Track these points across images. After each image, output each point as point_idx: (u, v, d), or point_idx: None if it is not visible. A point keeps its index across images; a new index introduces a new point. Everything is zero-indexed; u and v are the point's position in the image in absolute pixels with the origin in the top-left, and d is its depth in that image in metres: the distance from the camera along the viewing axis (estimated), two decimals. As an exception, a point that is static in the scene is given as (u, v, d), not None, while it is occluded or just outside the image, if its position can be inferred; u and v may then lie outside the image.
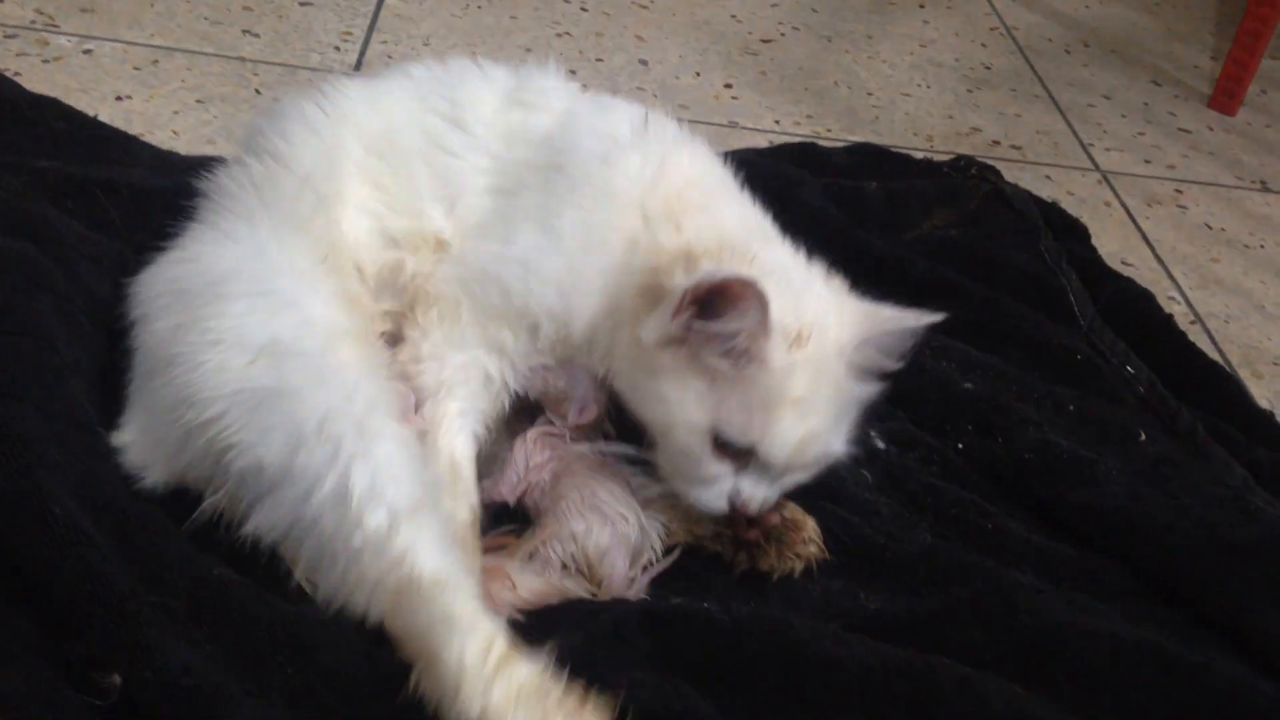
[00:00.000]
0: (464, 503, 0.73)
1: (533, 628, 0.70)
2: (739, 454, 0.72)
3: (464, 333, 0.77)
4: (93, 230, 0.87)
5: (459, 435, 0.75)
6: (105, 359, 0.77)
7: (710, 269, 0.70)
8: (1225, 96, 1.60)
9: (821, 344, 0.72)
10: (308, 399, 0.66)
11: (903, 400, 0.94)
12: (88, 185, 0.91)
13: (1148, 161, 1.46)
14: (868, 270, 1.06)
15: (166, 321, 0.71)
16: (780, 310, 0.70)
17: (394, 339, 0.80)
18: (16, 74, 1.11)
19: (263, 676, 0.63)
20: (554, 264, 0.76)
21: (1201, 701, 0.74)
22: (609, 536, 0.71)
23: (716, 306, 0.69)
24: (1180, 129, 1.56)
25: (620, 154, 0.78)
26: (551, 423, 0.76)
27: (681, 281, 0.70)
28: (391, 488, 0.65)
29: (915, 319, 0.76)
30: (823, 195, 1.16)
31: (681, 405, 0.71)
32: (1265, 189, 1.46)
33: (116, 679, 0.60)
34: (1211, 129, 1.57)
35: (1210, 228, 1.35)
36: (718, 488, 0.73)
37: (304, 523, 0.65)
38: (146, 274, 0.77)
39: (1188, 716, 0.74)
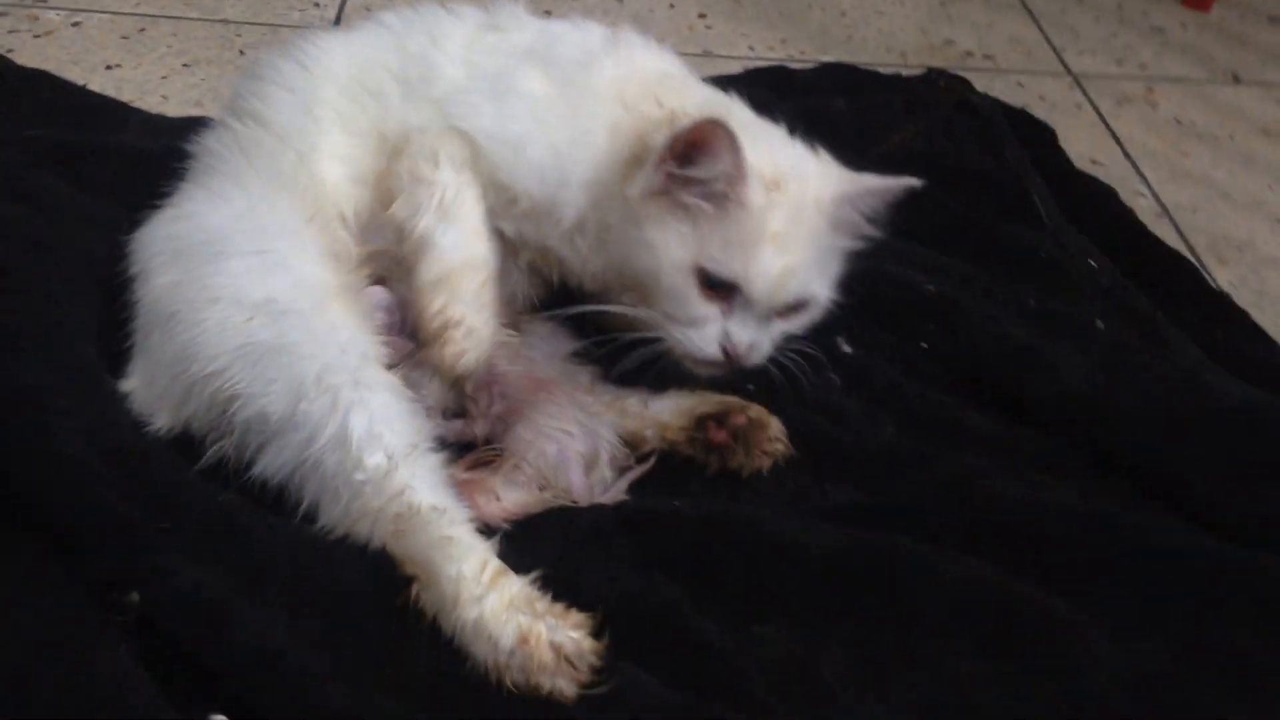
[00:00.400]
0: (482, 243, 0.80)
1: (520, 536, 0.76)
2: (725, 293, 0.78)
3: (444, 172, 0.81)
4: (85, 193, 0.92)
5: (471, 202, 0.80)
6: (105, 314, 0.82)
7: (686, 119, 0.76)
8: (1198, -9, 1.61)
9: (800, 191, 0.79)
10: (305, 354, 0.72)
11: (868, 304, 0.97)
12: (79, 151, 0.96)
13: (1119, 62, 1.48)
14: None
15: (165, 278, 0.77)
16: (755, 155, 0.76)
17: (380, 281, 0.85)
18: (10, 50, 1.16)
19: (268, 591, 0.69)
20: (541, 154, 0.81)
21: (1150, 563, 0.79)
22: (555, 452, 0.76)
23: (694, 155, 0.76)
24: (1153, 27, 1.57)
25: (596, 59, 0.83)
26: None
27: (662, 136, 0.76)
28: (388, 431, 0.72)
29: (893, 183, 0.82)
30: (791, 116, 1.18)
31: (667, 247, 0.77)
32: (1236, 81, 1.47)
33: (134, 597, 0.66)
34: (1184, 25, 1.58)
35: (1180, 122, 1.38)
36: (708, 330, 0.79)
37: (308, 464, 0.72)
38: (142, 232, 0.82)
39: (1136, 577, 0.79)
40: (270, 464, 0.71)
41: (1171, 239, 1.18)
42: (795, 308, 0.82)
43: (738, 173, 0.75)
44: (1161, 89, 1.43)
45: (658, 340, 0.80)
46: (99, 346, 0.80)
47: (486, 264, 0.80)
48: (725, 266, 0.77)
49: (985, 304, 0.99)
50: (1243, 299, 1.09)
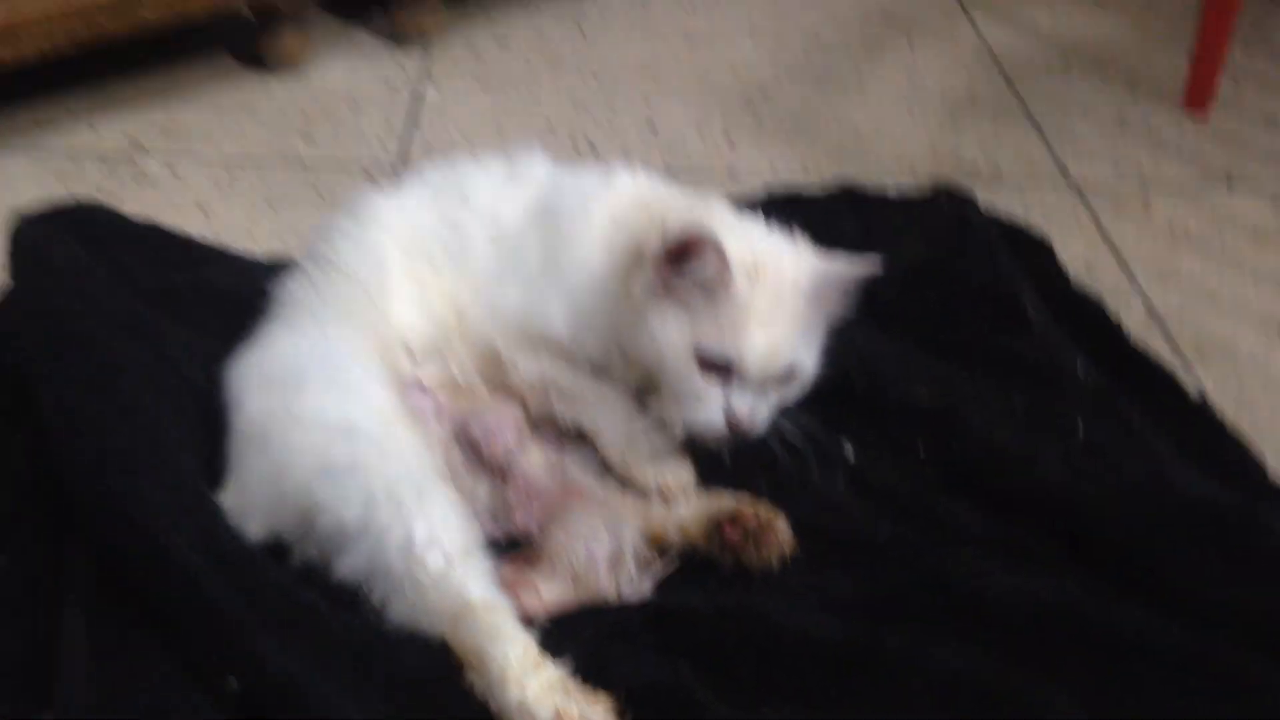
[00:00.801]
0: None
1: (557, 628, 0.89)
2: (722, 370, 0.93)
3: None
4: (186, 328, 1.07)
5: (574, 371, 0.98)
6: (203, 434, 0.97)
7: (675, 227, 0.92)
8: (1195, 97, 1.72)
9: (778, 275, 0.94)
10: (376, 470, 0.87)
11: (870, 412, 1.10)
12: (180, 292, 1.12)
13: (1118, 169, 1.60)
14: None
15: (255, 405, 0.92)
16: (737, 249, 0.92)
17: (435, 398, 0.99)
18: (116, 195, 1.33)
19: (344, 675, 0.82)
20: (559, 308, 0.97)
21: (1119, 649, 0.90)
22: (585, 554, 0.89)
23: (685, 258, 0.92)
24: (1152, 134, 1.68)
25: (590, 199, 1.00)
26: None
27: (655, 244, 0.93)
28: (445, 537, 0.85)
29: (859, 263, 0.98)
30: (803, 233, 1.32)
31: (667, 334, 0.93)
32: (1230, 185, 1.58)
33: (234, 681, 0.79)
34: (1182, 130, 1.70)
35: (1173, 227, 1.48)
36: (712, 404, 0.94)
37: (378, 566, 0.86)
38: (234, 365, 0.97)
39: (1107, 662, 0.89)
40: (347, 566, 0.85)
41: (1159, 340, 1.28)
42: (786, 378, 0.97)
43: (723, 268, 0.91)
44: (1157, 195, 1.55)
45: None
46: (200, 463, 0.95)
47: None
48: (719, 347, 0.93)
49: (976, 411, 1.10)
50: (1223, 398, 1.19)
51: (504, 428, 0.95)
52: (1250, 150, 1.66)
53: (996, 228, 1.37)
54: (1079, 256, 1.40)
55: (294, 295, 1.02)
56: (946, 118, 1.69)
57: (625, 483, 0.97)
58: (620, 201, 1.00)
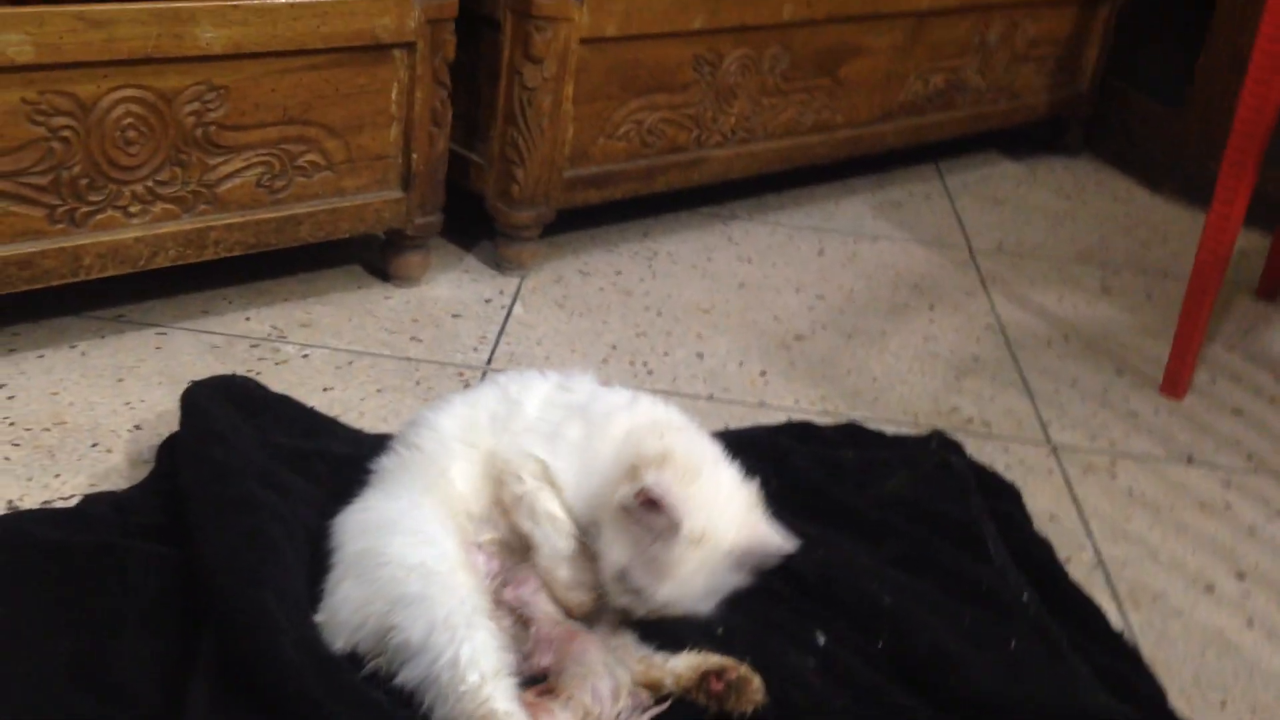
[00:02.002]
0: (566, 538, 1.19)
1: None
2: (633, 589, 1.14)
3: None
4: (308, 484, 1.36)
5: (550, 501, 1.20)
6: (312, 567, 1.24)
7: (650, 483, 1.11)
8: (1171, 384, 2.00)
9: (716, 546, 1.13)
10: (439, 602, 1.12)
11: (841, 609, 1.34)
12: (307, 454, 1.41)
13: (1094, 438, 1.86)
14: (833, 515, 1.51)
15: (354, 548, 1.19)
16: (692, 519, 1.11)
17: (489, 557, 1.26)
18: (259, 373, 1.65)
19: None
20: (574, 474, 1.21)
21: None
22: (591, 691, 1.13)
23: (651, 508, 1.12)
24: (1130, 411, 1.95)
25: (616, 412, 1.24)
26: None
27: (627, 490, 1.13)
28: (484, 660, 1.10)
29: (783, 542, 1.17)
30: (809, 461, 1.59)
31: (611, 547, 1.14)
32: (1189, 462, 1.83)
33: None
34: (1157, 411, 1.96)
35: (1132, 492, 1.73)
36: (614, 599, 1.16)
37: (430, 677, 1.10)
38: (341, 517, 1.25)
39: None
40: (408, 675, 1.10)
41: (1100, 584, 1.52)
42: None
43: (672, 527, 1.11)
44: (1123, 463, 1.80)
45: None
46: (305, 586, 1.22)
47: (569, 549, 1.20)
48: (636, 580, 1.14)
49: (930, 618, 1.34)
50: (1146, 637, 1.42)
51: (526, 582, 1.21)
52: (1213, 435, 1.91)
53: (974, 472, 1.63)
54: (1045, 507, 1.65)
55: (388, 467, 1.30)
56: (951, 376, 1.98)
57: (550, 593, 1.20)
58: (638, 422, 1.22)
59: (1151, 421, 1.93)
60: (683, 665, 1.20)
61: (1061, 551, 1.53)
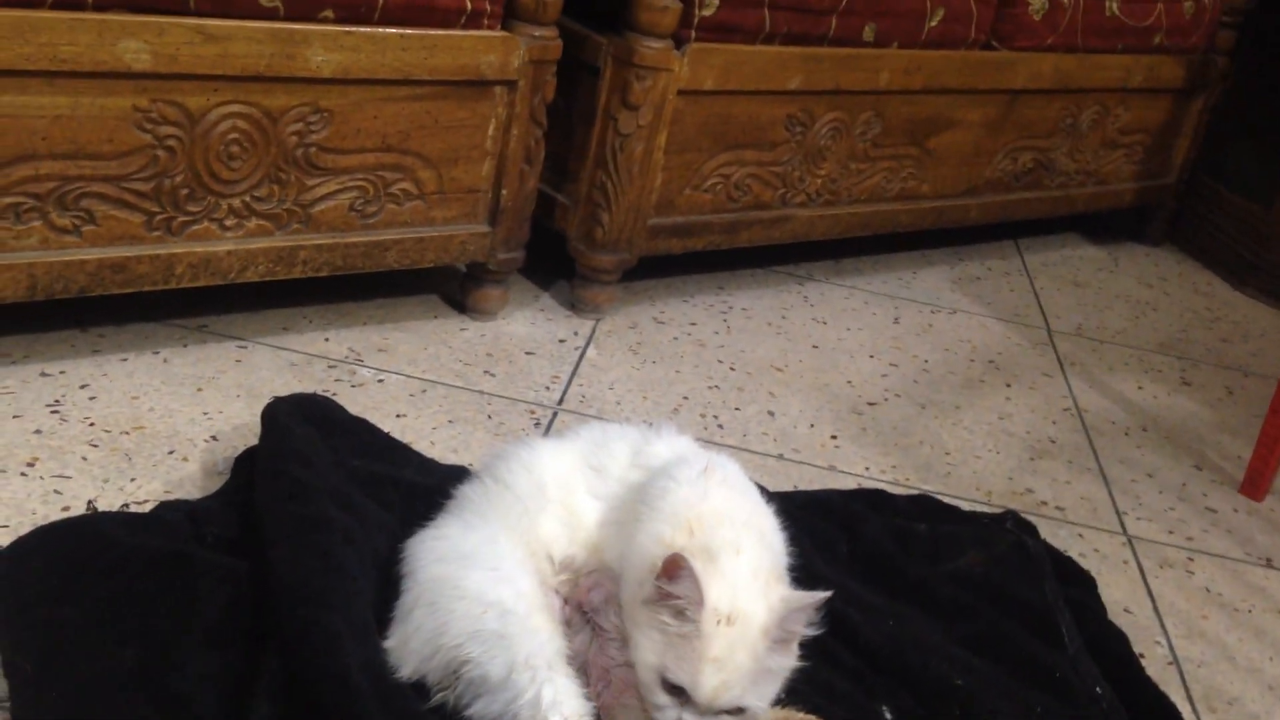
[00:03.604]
0: None
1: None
2: (678, 691, 1.08)
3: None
4: (381, 508, 1.35)
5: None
6: (380, 592, 1.23)
7: (676, 553, 1.08)
8: (1251, 485, 1.95)
9: (747, 624, 1.08)
10: (519, 642, 1.10)
11: (911, 685, 1.31)
12: (380, 479, 1.41)
13: (1170, 532, 1.81)
14: (904, 588, 1.47)
15: (428, 575, 1.18)
16: (718, 593, 1.07)
17: (566, 599, 1.24)
18: (335, 394, 1.65)
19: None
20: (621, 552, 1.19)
21: None
22: None
23: (672, 577, 1.08)
24: (1208, 508, 1.90)
25: (680, 485, 1.20)
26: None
27: (650, 581, 1.10)
28: (565, 704, 1.08)
29: (817, 596, 1.11)
30: (882, 530, 1.56)
31: (642, 649, 1.10)
32: (1269, 566, 1.78)
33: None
34: (1236, 510, 1.91)
35: (1209, 591, 1.68)
36: (668, 713, 1.09)
37: (509, 715, 1.08)
38: (413, 543, 1.24)
39: None
40: (482, 711, 1.08)
41: (1174, 682, 1.47)
42: (736, 711, 1.09)
43: (698, 600, 1.07)
44: (1200, 561, 1.75)
45: None
46: (373, 612, 1.21)
47: None
48: (676, 675, 1.08)
49: (1000, 703, 1.30)
50: (1221, 742, 1.38)
51: (598, 587, 1.19)
52: (1294, 538, 1.86)
53: (1050, 556, 1.59)
54: (1119, 599, 1.61)
55: (469, 497, 1.29)
56: (1026, 456, 1.94)
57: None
58: (691, 503, 1.17)
59: (1230, 520, 1.88)
60: (768, 718, 1.17)
61: (1135, 646, 1.48)
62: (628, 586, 1.16)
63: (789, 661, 1.14)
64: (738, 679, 1.08)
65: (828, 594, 1.11)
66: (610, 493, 1.26)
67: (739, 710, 1.10)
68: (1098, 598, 1.56)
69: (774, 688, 1.13)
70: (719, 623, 1.08)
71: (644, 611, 1.12)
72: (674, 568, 1.08)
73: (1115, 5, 2.57)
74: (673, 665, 1.09)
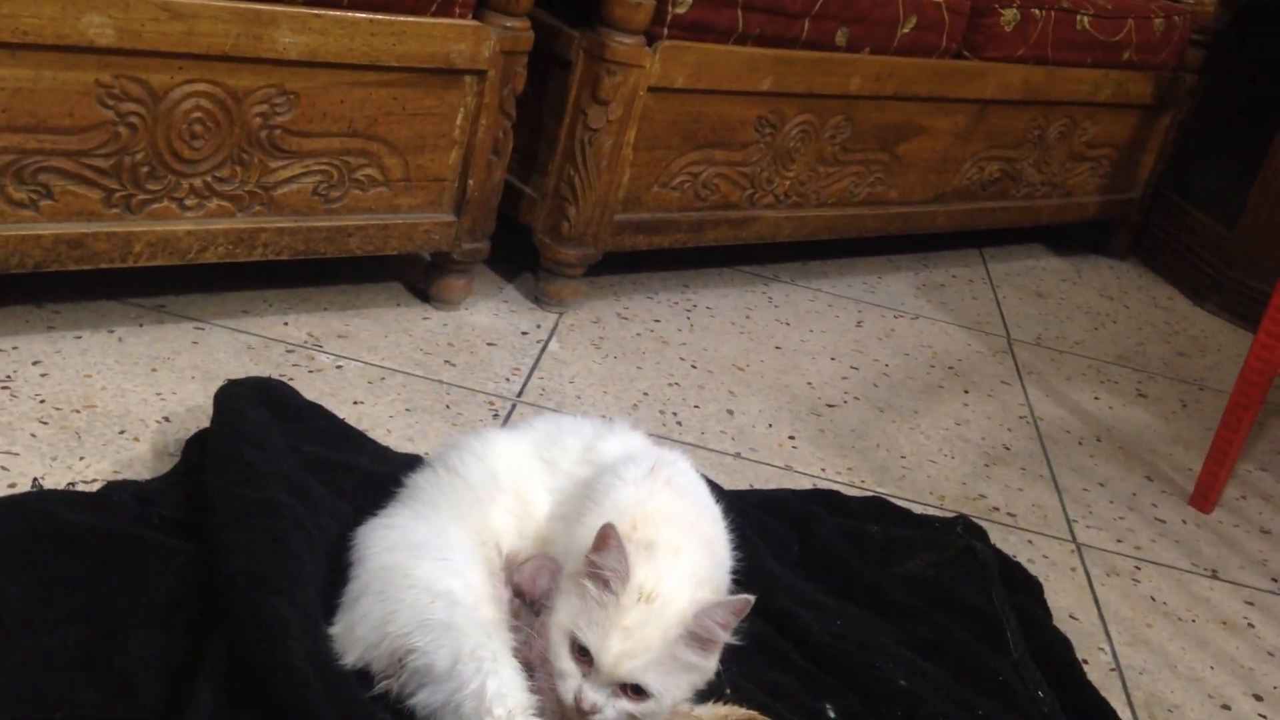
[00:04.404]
0: None
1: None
2: (586, 659, 1.08)
3: None
4: (334, 495, 1.35)
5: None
6: (329, 579, 1.23)
7: (613, 527, 1.09)
8: (1200, 497, 1.97)
9: (664, 607, 1.08)
10: (466, 633, 1.10)
11: (856, 685, 1.32)
12: (333, 465, 1.40)
13: (1119, 541, 1.84)
14: (854, 589, 1.48)
15: (376, 563, 1.17)
16: (643, 576, 1.08)
17: (515, 591, 1.24)
18: (293, 379, 1.64)
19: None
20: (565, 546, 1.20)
21: None
22: None
23: (601, 547, 1.09)
24: (1157, 518, 1.93)
25: (628, 484, 1.20)
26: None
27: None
28: (510, 696, 1.07)
29: (738, 600, 1.09)
30: (834, 531, 1.57)
31: (559, 612, 1.11)
32: (1214, 577, 1.80)
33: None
34: (1185, 522, 1.94)
35: (1154, 600, 1.70)
36: (569, 682, 1.09)
37: (451, 705, 1.07)
38: (363, 530, 1.24)
39: None
40: (425, 700, 1.08)
41: (1117, 689, 1.49)
42: (639, 692, 1.08)
43: (622, 573, 1.08)
44: (1147, 570, 1.77)
45: None
46: (320, 598, 1.20)
47: None
48: (584, 636, 1.09)
49: (945, 706, 1.31)
50: (1160, 750, 1.39)
51: (541, 573, 1.20)
52: (1239, 553, 1.89)
53: (998, 561, 1.60)
54: (1065, 605, 1.63)
55: (420, 486, 1.29)
56: (980, 462, 1.96)
57: None
58: (635, 501, 1.18)
59: (1179, 532, 1.91)
60: (707, 713, 1.18)
61: (1079, 652, 1.50)
62: (572, 553, 1.16)
63: (706, 663, 1.13)
64: (643, 653, 1.07)
65: (750, 598, 1.09)
66: (559, 486, 1.26)
67: (640, 693, 1.09)
68: (1044, 604, 1.58)
69: (685, 683, 1.12)
70: (639, 599, 1.09)
71: (570, 581, 1.13)
72: (604, 540, 1.09)
73: (1086, 20, 2.59)
74: (584, 627, 1.09)
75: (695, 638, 1.10)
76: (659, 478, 1.22)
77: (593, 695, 1.09)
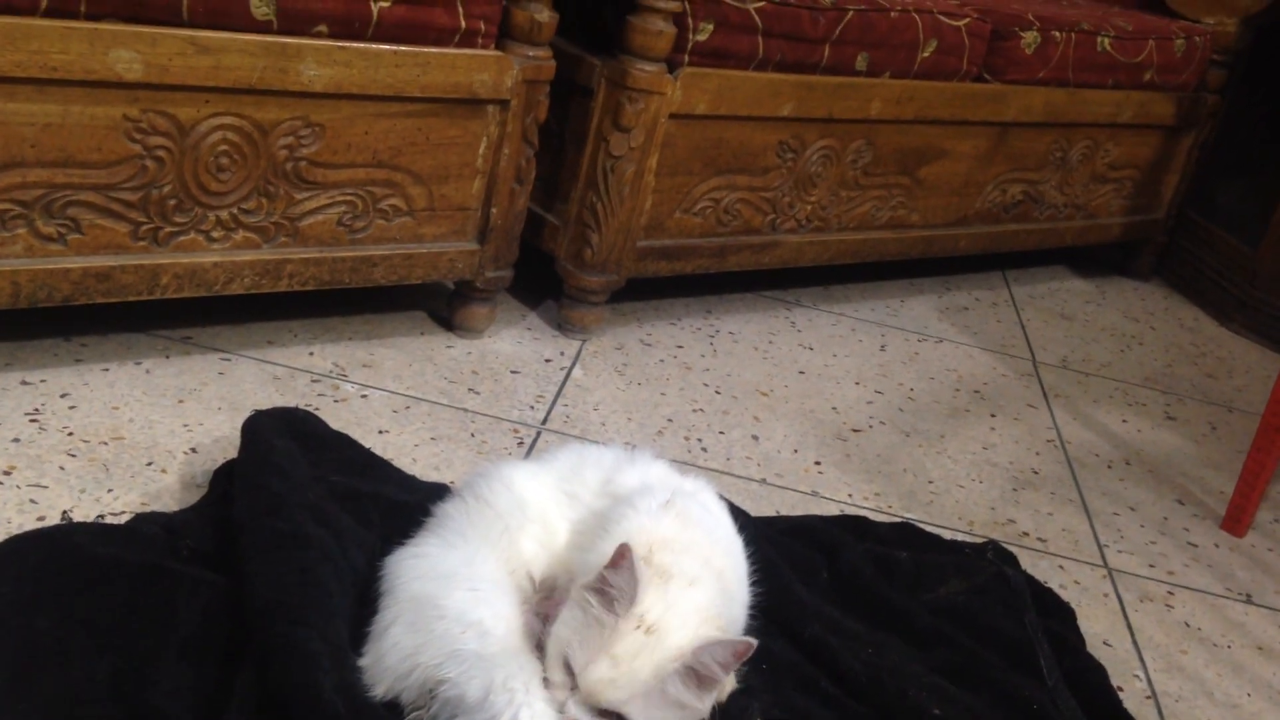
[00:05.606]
0: None
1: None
2: (573, 674, 1.07)
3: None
4: (360, 525, 1.34)
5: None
6: (357, 610, 1.22)
7: (630, 547, 1.08)
8: (1233, 521, 1.95)
9: (662, 640, 1.07)
10: (498, 664, 1.09)
11: (889, 716, 1.30)
12: (359, 494, 1.40)
13: (1151, 565, 1.81)
14: (884, 615, 1.47)
15: (406, 593, 1.17)
16: (650, 602, 1.07)
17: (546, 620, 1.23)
18: (318, 409, 1.64)
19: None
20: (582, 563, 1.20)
21: None
22: None
23: (615, 564, 1.08)
24: (1189, 542, 1.90)
25: (641, 514, 1.20)
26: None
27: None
28: None
29: (739, 640, 1.08)
30: (863, 557, 1.56)
31: (561, 621, 1.10)
32: (1249, 601, 1.78)
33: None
34: (1217, 546, 1.91)
35: (1189, 625, 1.68)
36: (557, 694, 1.08)
37: None
38: (392, 560, 1.23)
39: None
40: None
41: (1152, 717, 1.47)
42: None
43: (628, 596, 1.07)
44: (1181, 595, 1.75)
45: None
46: (349, 629, 1.20)
47: None
48: (573, 655, 1.08)
49: (978, 735, 1.30)
50: (1199, 778, 1.37)
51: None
52: (1273, 577, 1.86)
53: (1030, 587, 1.59)
54: (1098, 631, 1.61)
55: (449, 514, 1.29)
56: (1009, 487, 1.94)
57: None
58: (647, 530, 1.17)
59: (1211, 556, 1.88)
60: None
61: (1114, 679, 1.48)
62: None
63: (700, 704, 1.09)
64: (629, 684, 1.06)
65: (753, 641, 1.08)
66: (578, 518, 1.27)
67: None
68: (1077, 630, 1.56)
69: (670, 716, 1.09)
70: (637, 627, 1.08)
71: (579, 590, 1.12)
72: (619, 559, 1.08)
73: (1107, 41, 2.59)
74: (575, 644, 1.09)
75: (693, 674, 1.08)
76: (671, 511, 1.21)
77: (576, 713, 1.08)
